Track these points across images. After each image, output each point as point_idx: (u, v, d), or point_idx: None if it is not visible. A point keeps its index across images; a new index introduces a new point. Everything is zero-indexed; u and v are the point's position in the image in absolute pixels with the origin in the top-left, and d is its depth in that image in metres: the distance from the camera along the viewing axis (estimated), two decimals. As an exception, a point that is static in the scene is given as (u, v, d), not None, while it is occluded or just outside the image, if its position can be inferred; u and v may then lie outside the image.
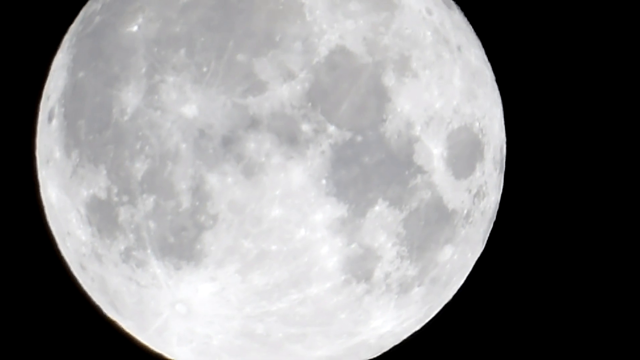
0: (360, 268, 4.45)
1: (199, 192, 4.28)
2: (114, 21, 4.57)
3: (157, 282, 4.50)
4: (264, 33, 4.32)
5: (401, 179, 4.40)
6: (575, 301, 6.06)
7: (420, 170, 4.44)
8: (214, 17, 4.38)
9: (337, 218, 4.33)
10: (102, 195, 4.45)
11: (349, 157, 4.30)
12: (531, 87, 6.03)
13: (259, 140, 4.24)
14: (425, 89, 4.47)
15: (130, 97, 4.37)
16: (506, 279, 6.00)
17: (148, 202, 4.34)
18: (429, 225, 4.53)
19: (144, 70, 4.37)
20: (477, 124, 4.69)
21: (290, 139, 4.25)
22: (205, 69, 4.29)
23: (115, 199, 4.42)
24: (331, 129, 4.28)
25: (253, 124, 4.25)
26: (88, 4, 4.88)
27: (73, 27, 4.86)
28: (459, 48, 4.68)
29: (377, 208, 4.37)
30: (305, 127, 4.26)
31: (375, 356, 5.08)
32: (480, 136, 4.72)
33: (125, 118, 4.37)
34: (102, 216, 4.49)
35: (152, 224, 4.36)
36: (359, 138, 4.31)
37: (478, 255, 5.06)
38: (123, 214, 4.42)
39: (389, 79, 4.38)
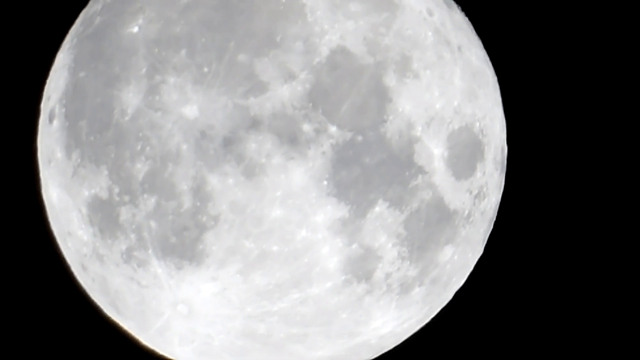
0: (360, 268, 4.45)
1: (200, 192, 4.28)
2: (115, 22, 4.57)
3: (159, 282, 4.50)
4: (265, 33, 4.32)
5: (402, 180, 4.40)
6: (576, 301, 6.06)
7: (421, 170, 4.44)
8: (214, 17, 4.37)
9: (338, 219, 4.33)
10: (104, 195, 4.45)
11: (349, 158, 4.30)
12: (533, 87, 6.03)
13: (260, 141, 4.24)
14: (426, 90, 4.47)
15: (130, 98, 4.37)
16: (506, 279, 6.00)
17: (149, 202, 4.34)
18: (430, 225, 4.53)
19: (144, 70, 4.37)
20: (478, 124, 4.69)
21: (291, 140, 4.25)
22: (206, 70, 4.29)
23: (117, 198, 4.42)
24: (332, 129, 4.28)
25: (254, 124, 4.25)
26: (89, 5, 4.88)
27: (74, 28, 4.86)
28: (459, 48, 4.68)
29: (377, 209, 4.38)
30: (306, 128, 4.26)
31: (376, 356, 5.08)
32: (481, 136, 4.71)
33: (126, 118, 4.37)
34: (104, 216, 4.48)
35: (153, 224, 4.36)
36: (360, 138, 4.31)
37: (478, 255, 5.06)
38: (124, 214, 4.42)
39: (390, 80, 4.38)
